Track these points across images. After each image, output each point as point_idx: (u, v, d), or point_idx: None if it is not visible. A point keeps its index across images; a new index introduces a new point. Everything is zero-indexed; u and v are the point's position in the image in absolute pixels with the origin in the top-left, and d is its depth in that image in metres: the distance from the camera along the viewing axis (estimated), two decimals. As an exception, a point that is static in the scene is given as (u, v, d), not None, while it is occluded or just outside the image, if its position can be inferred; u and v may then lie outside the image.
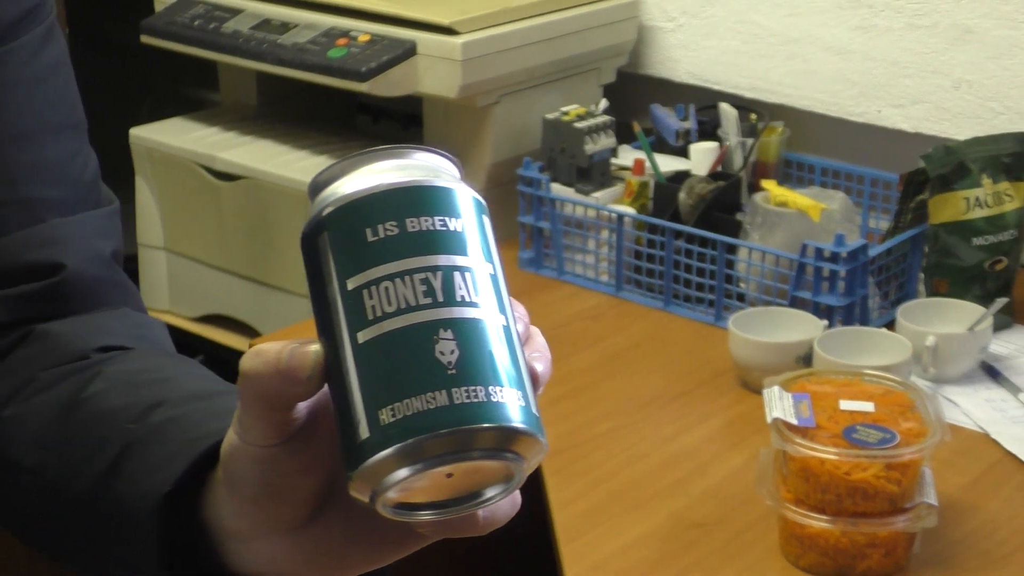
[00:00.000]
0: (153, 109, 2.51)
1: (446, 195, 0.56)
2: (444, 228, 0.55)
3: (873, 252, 1.79)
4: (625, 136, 2.07)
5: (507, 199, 2.07)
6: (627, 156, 2.04)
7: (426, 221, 0.55)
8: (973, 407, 1.64)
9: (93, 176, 0.88)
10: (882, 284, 1.85)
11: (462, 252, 0.55)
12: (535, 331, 0.58)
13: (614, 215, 1.95)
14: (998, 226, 1.82)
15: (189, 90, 2.75)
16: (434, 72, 1.99)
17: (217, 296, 2.21)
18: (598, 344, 1.86)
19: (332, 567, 0.60)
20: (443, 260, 0.54)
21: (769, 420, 1.37)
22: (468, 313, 0.54)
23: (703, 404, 1.70)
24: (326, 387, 0.56)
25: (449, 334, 0.53)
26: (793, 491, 1.37)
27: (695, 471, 1.56)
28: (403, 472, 0.53)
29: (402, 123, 2.28)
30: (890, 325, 1.78)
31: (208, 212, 2.17)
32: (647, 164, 1.99)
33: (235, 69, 2.30)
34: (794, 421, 1.36)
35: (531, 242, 2.04)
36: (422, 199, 0.55)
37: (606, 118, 2.03)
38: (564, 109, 2.04)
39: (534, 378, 0.56)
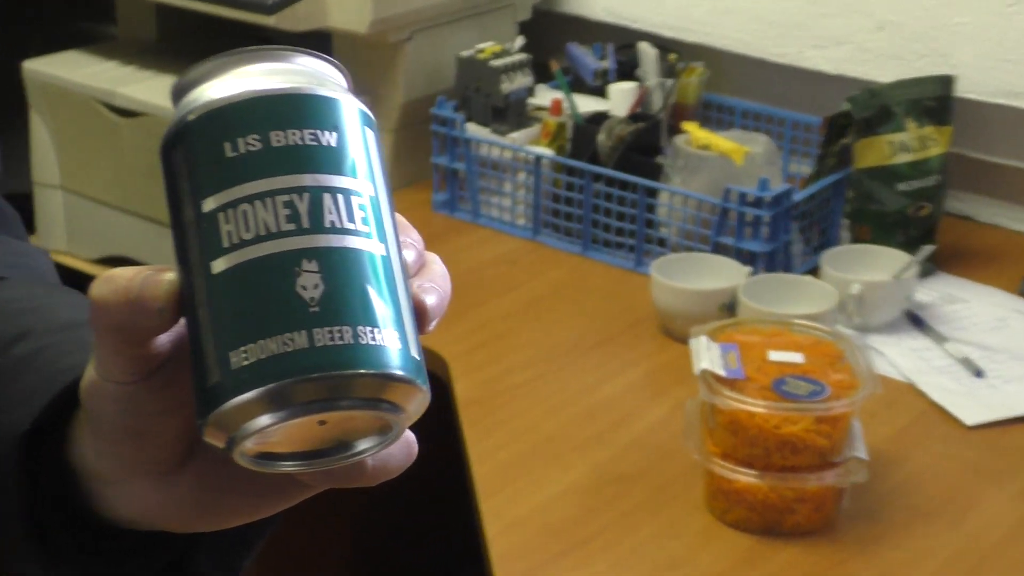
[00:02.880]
0: (45, 42, 2.39)
1: (321, 105, 0.49)
2: (315, 143, 0.48)
3: (797, 197, 1.75)
4: (542, 75, 2.01)
5: (420, 139, 2.00)
6: (544, 96, 1.98)
7: (294, 135, 0.48)
8: (898, 356, 1.61)
9: None
10: (804, 230, 1.81)
11: (335, 171, 0.48)
12: (432, 258, 0.52)
13: (531, 157, 1.89)
14: (922, 171, 1.79)
15: (82, 23, 2.64)
16: (343, 5, 1.91)
17: (116, 237, 2.13)
18: (515, 290, 1.81)
19: (208, 516, 0.55)
20: (310, 180, 0.47)
21: (697, 371, 1.33)
22: (338, 242, 0.47)
23: (624, 352, 1.66)
24: None
25: (314, 266, 0.46)
26: (720, 445, 1.34)
27: (617, 422, 1.52)
28: (259, 421, 0.46)
29: (310, 59, 2.19)
30: (813, 271, 1.75)
31: (107, 150, 2.08)
32: (565, 104, 1.93)
33: (132, 0, 2.20)
34: (723, 372, 1.32)
35: (445, 184, 1.98)
36: (292, 109, 0.48)
37: (523, 56, 1.97)
38: (479, 47, 1.98)
39: (421, 313, 0.49)
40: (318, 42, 2.05)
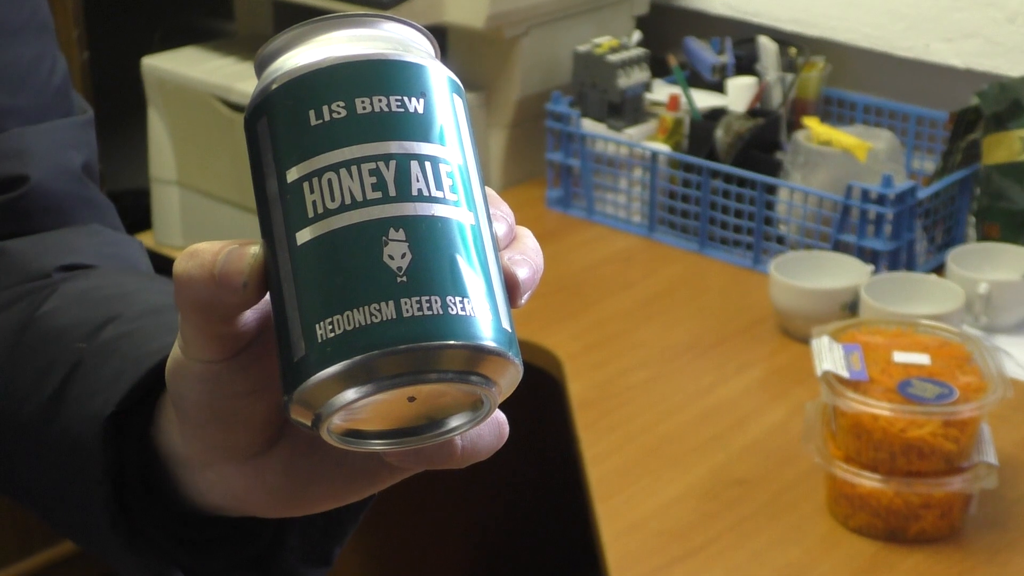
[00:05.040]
0: (165, 39, 2.42)
1: (408, 71, 0.47)
2: (401, 110, 0.46)
3: (921, 194, 1.70)
4: (659, 70, 1.98)
5: (535, 135, 1.98)
6: (661, 91, 1.95)
7: (380, 101, 0.46)
8: (1028, 359, 1.56)
9: (62, 82, 0.79)
10: (929, 228, 1.76)
11: (423, 138, 0.46)
12: (524, 232, 0.50)
13: (647, 153, 1.86)
14: (1053, 168, 1.73)
15: (202, 19, 2.66)
16: (460, 0, 1.89)
17: (232, 232, 2.13)
18: (630, 288, 1.78)
19: (297, 500, 0.53)
20: (397, 147, 0.46)
21: (819, 373, 1.29)
22: (425, 210, 0.45)
23: (742, 353, 1.62)
24: None
25: (401, 234, 0.45)
26: (843, 448, 1.30)
27: (735, 425, 1.48)
28: (346, 396, 0.45)
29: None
30: (937, 270, 1.70)
31: (223, 146, 2.09)
32: (682, 100, 1.90)
33: (251, -3, 2.21)
34: (845, 374, 1.28)
35: (559, 180, 1.95)
36: (377, 75, 0.47)
37: (640, 51, 1.94)
38: (596, 41, 1.95)
39: (513, 285, 0.47)
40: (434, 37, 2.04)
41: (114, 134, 2.41)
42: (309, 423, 0.46)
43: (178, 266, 0.48)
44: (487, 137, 2.01)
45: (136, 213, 2.22)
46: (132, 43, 2.31)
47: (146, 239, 2.16)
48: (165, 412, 0.56)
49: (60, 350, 0.63)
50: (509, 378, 0.46)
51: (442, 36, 2.03)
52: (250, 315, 0.49)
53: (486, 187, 0.49)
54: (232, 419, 0.51)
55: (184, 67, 2.13)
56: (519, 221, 0.50)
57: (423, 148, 0.46)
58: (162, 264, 0.66)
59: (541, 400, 1.73)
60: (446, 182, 0.46)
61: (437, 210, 0.46)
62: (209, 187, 2.14)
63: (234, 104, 2.06)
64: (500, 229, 0.49)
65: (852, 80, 2.06)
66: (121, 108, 2.32)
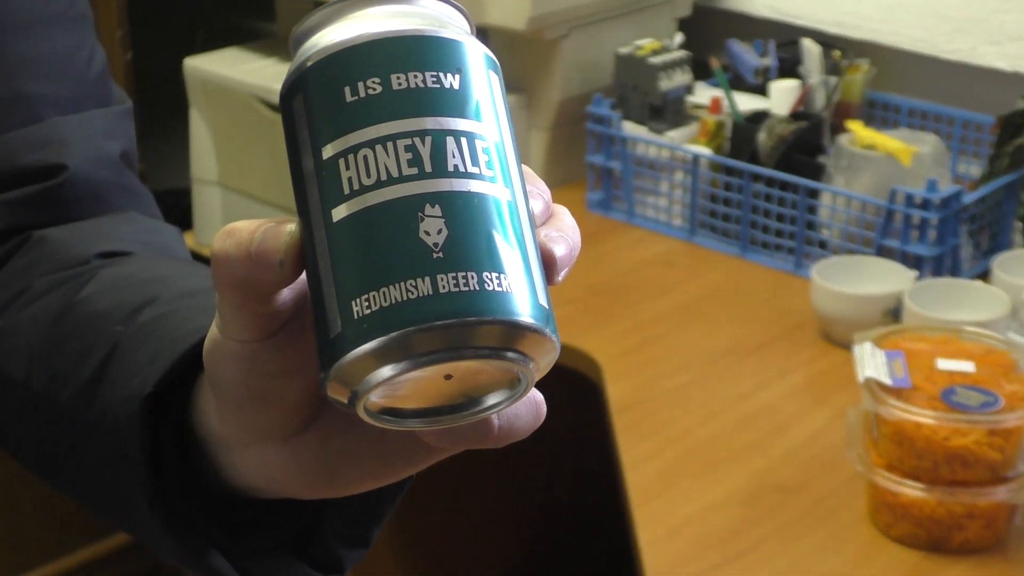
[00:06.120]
0: (207, 40, 2.42)
1: (443, 47, 0.47)
2: (437, 86, 0.46)
3: (967, 199, 1.68)
4: (701, 73, 1.97)
5: (576, 137, 1.97)
6: (703, 94, 1.94)
7: (415, 77, 0.46)
8: (1074, 367, 1.54)
9: (99, 72, 0.80)
10: (974, 233, 1.74)
11: (459, 114, 0.46)
12: (560, 210, 0.50)
13: (689, 156, 1.85)
14: (1101, 173, 1.71)
15: (244, 20, 2.67)
16: (501, 2, 1.89)
17: (272, 234, 2.13)
18: (670, 292, 1.77)
19: (334, 481, 0.53)
20: (432, 123, 0.46)
21: (861, 379, 1.28)
22: (461, 186, 0.45)
23: (783, 358, 1.61)
24: None
25: (437, 210, 0.44)
26: (885, 456, 1.28)
27: (775, 430, 1.47)
28: (383, 372, 0.44)
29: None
30: (982, 276, 1.68)
31: (264, 146, 2.09)
32: (724, 102, 1.88)
33: (293, -2, 2.21)
34: (888, 381, 1.27)
35: (600, 183, 1.94)
36: (413, 51, 0.47)
37: (682, 53, 1.93)
38: (637, 43, 1.94)
39: (550, 262, 0.47)
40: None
41: (156, 134, 2.42)
42: (346, 400, 0.46)
43: (215, 245, 0.48)
44: (528, 139, 2.00)
45: (177, 213, 2.23)
46: (175, 44, 2.32)
47: (187, 239, 2.16)
48: (202, 393, 0.56)
49: (98, 334, 0.64)
50: (547, 355, 0.46)
51: (483, 38, 2.02)
52: (287, 294, 0.49)
53: (523, 165, 0.49)
54: (268, 399, 0.51)
55: (226, 68, 2.13)
56: (559, 223, 0.50)
57: (459, 124, 0.46)
58: (202, 263, 0.67)
59: (580, 403, 1.72)
60: (482, 158, 0.46)
61: (473, 186, 0.45)
62: (250, 188, 2.14)
63: (275, 105, 2.06)
64: (537, 206, 0.48)
65: (897, 83, 2.04)
66: (163, 108, 2.33)
